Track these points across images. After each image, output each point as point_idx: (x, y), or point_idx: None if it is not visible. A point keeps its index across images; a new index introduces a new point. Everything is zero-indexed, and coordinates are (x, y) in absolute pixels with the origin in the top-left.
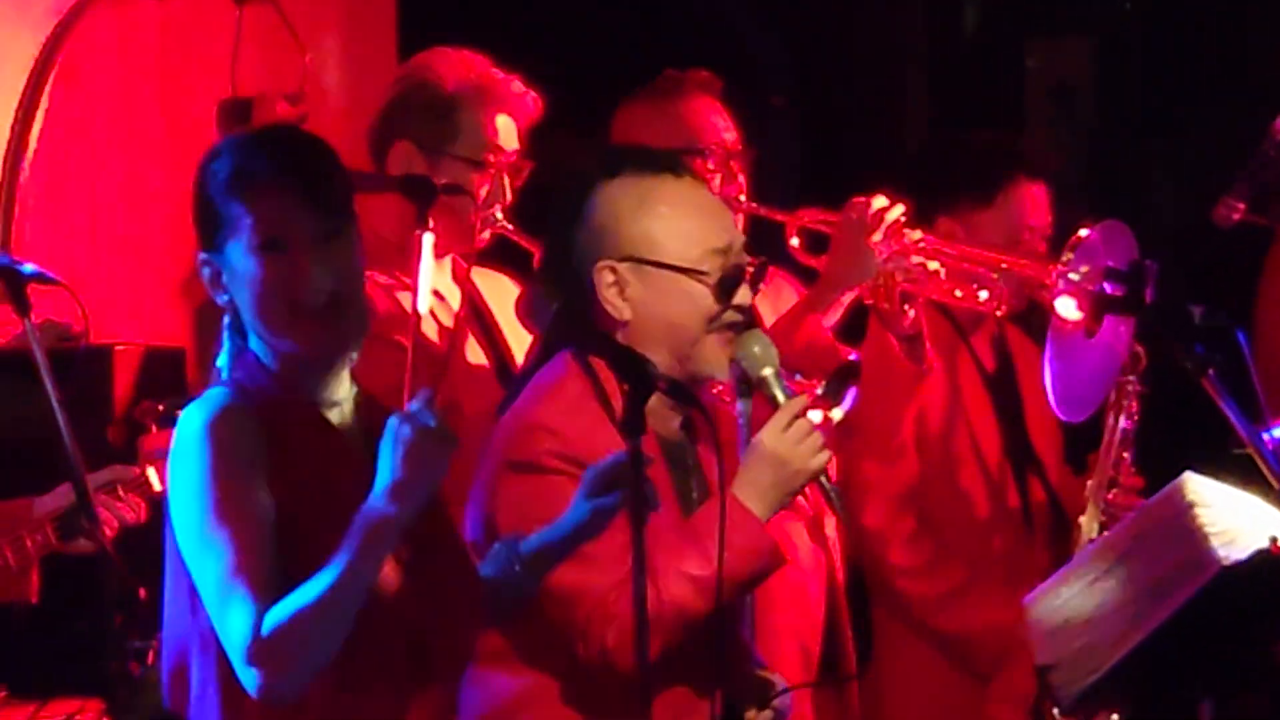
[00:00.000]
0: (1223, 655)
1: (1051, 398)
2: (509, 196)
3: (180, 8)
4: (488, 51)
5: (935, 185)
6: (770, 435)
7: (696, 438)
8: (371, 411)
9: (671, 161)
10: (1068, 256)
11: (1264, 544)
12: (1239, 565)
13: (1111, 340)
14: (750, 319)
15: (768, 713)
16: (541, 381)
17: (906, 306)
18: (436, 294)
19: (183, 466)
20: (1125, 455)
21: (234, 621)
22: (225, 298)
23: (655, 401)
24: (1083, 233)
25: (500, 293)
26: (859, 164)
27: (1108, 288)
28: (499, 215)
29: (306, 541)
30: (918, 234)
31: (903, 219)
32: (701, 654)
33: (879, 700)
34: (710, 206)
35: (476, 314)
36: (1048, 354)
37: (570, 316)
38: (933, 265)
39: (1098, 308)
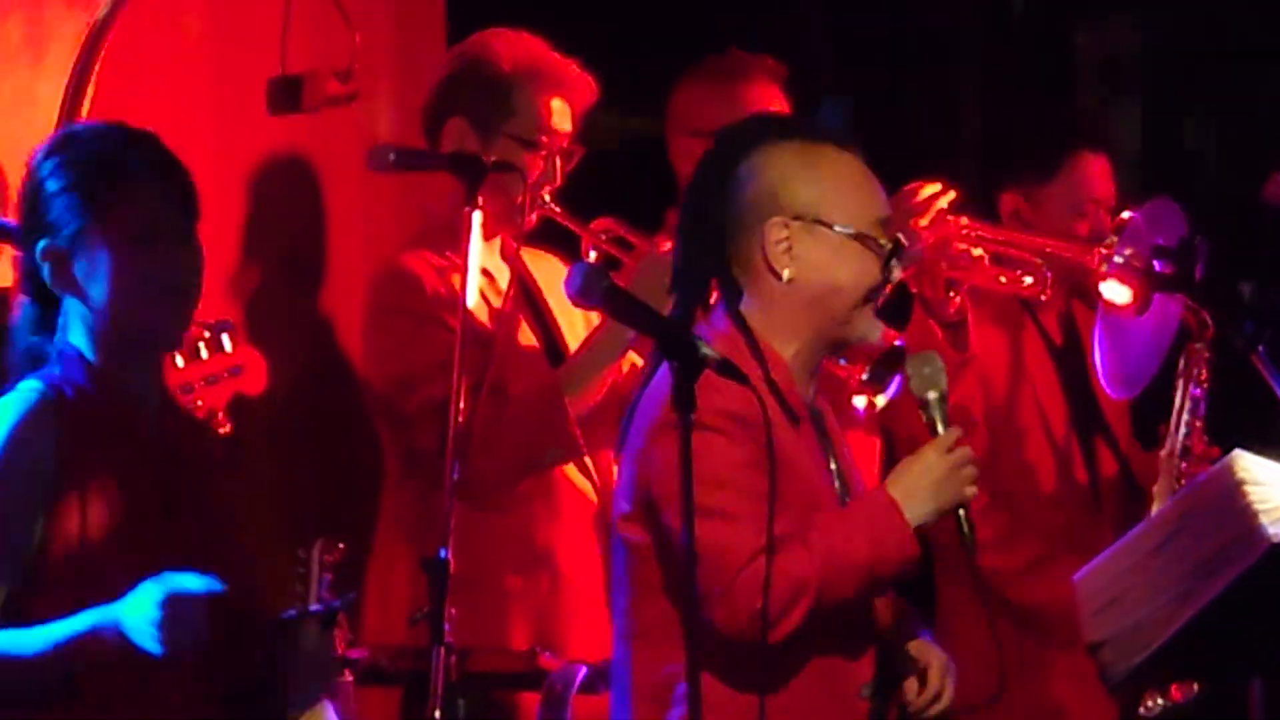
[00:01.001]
0: (1272, 633)
1: (1101, 374)
2: (559, 179)
3: None
4: (536, 29)
5: (998, 160)
6: (935, 452)
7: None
8: (174, 412)
9: (837, 134)
10: (1112, 240)
11: None
12: None
13: (1160, 318)
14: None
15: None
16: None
17: (951, 293)
18: (485, 273)
19: None
20: (1197, 423)
21: None
22: (62, 287)
23: (795, 363)
24: (1127, 215)
25: (549, 273)
26: (910, 145)
27: (1157, 265)
28: (547, 198)
29: (93, 543)
30: (963, 220)
31: (947, 205)
32: (859, 623)
33: None
34: (871, 179)
35: (526, 293)
36: (1097, 331)
37: (709, 271)
38: (976, 251)
39: (1147, 285)
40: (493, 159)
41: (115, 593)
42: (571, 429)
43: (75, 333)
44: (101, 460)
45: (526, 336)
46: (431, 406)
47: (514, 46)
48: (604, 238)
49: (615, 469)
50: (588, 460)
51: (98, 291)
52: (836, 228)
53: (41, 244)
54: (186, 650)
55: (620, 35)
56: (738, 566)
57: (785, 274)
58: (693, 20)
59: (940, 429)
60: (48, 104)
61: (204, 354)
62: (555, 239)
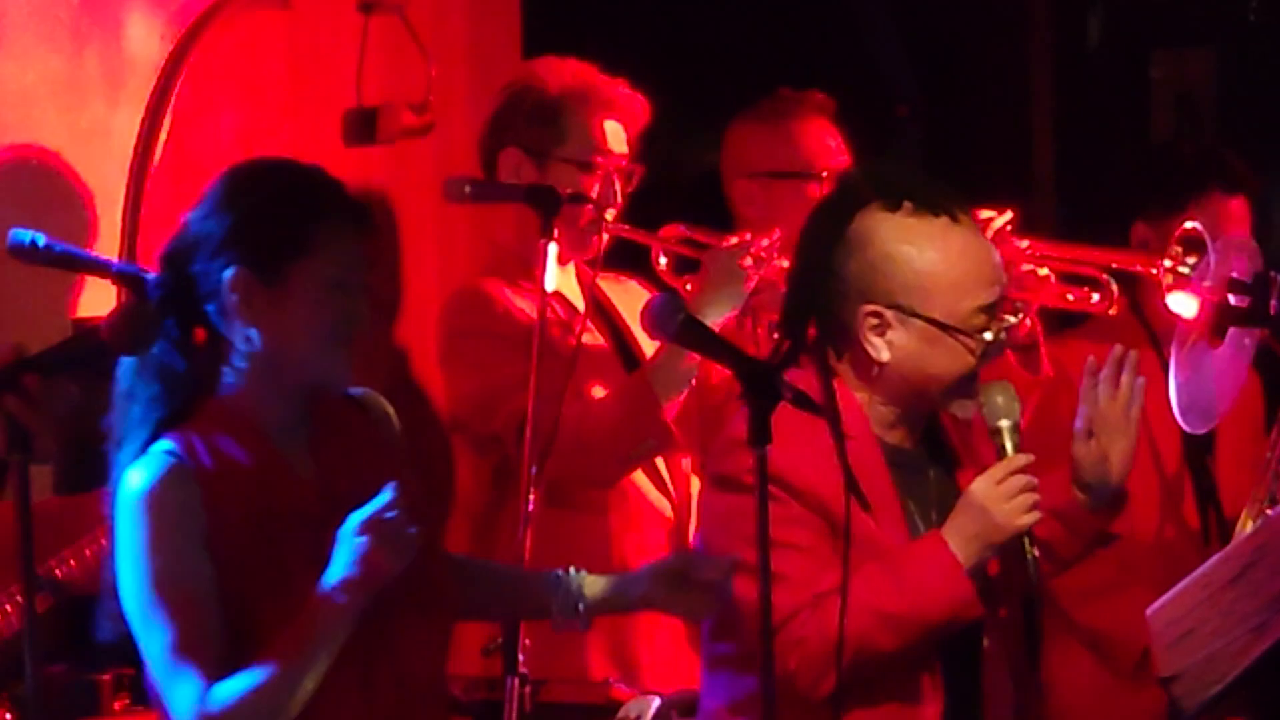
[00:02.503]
0: None
1: (1175, 407)
2: (620, 200)
3: (306, 16)
4: (610, 61)
5: (1132, 191)
6: (982, 485)
7: (945, 451)
8: (329, 443)
9: (951, 203)
10: (1176, 250)
11: None
12: None
13: (1235, 352)
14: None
15: None
16: None
17: (1020, 315)
18: (561, 297)
19: (123, 534)
20: None
21: (180, 698)
22: (243, 319)
23: (891, 414)
24: (1189, 225)
25: (625, 295)
26: (984, 175)
27: (1231, 299)
28: (609, 217)
29: (254, 590)
30: (1024, 242)
31: (1010, 226)
32: (914, 674)
33: None
34: (982, 256)
35: (604, 317)
36: (1172, 364)
37: (812, 322)
38: (1042, 271)
39: (1221, 319)
40: (563, 186)
41: (277, 631)
42: (663, 418)
43: (235, 366)
44: (245, 504)
45: (605, 354)
46: (518, 420)
47: (560, 71)
48: (674, 243)
49: (695, 480)
50: (665, 474)
51: (286, 328)
52: (931, 319)
53: (230, 271)
54: (409, 552)
55: (700, 69)
56: (775, 627)
57: (879, 357)
58: (767, 54)
59: (1008, 454)
60: (124, 135)
61: None
62: (626, 255)
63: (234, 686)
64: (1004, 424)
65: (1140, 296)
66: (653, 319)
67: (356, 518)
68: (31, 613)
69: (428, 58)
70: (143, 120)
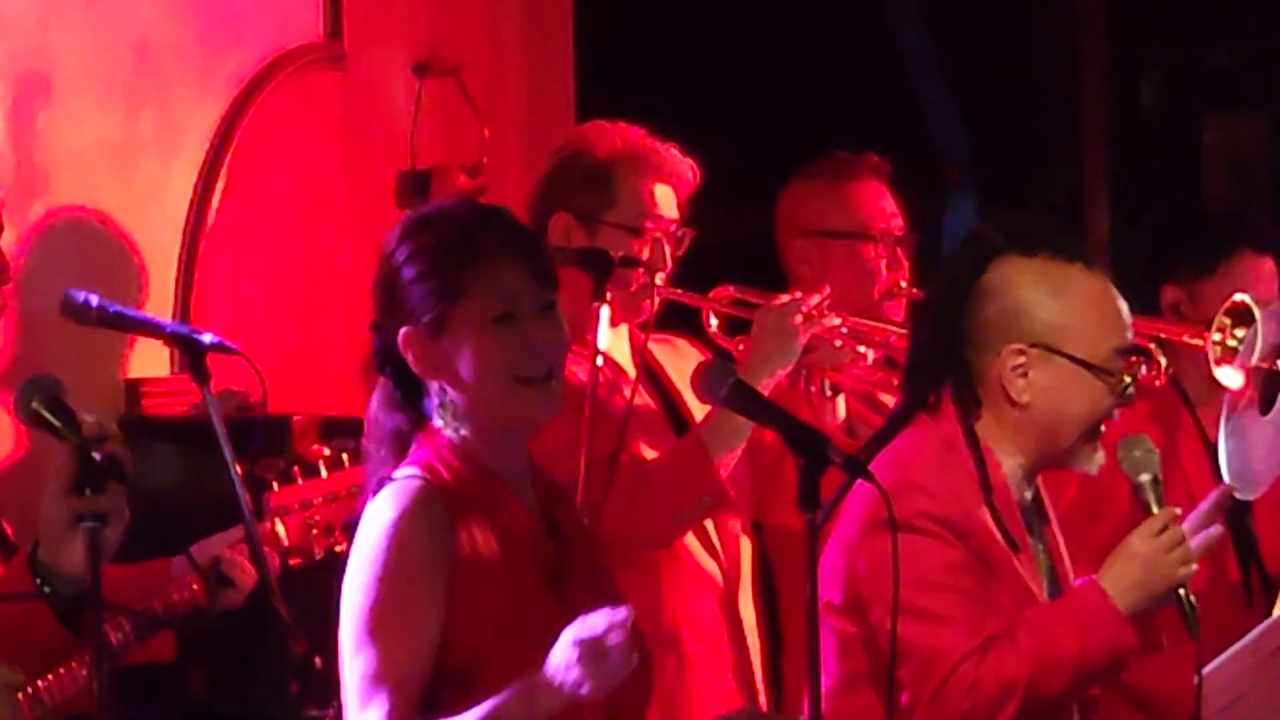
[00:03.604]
0: None
1: (1225, 474)
2: (669, 264)
3: (361, 78)
4: (663, 122)
5: (1162, 253)
6: (1141, 538)
7: (1044, 503)
8: (543, 482)
9: (1084, 251)
10: (1224, 322)
11: None
12: None
13: None
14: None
15: None
16: (909, 441)
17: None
18: (611, 361)
19: (361, 557)
20: None
21: None
22: (428, 372)
23: (1019, 471)
24: (1238, 297)
25: (677, 358)
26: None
27: None
28: (659, 281)
29: (485, 630)
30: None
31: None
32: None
33: None
34: (1115, 303)
35: (654, 380)
36: (1221, 431)
37: (942, 380)
38: None
39: (1270, 386)
40: (614, 250)
41: (507, 678)
42: (717, 476)
43: (443, 416)
44: (486, 544)
45: (656, 416)
46: (575, 479)
47: (610, 136)
48: (724, 304)
49: (746, 542)
50: (715, 538)
51: (464, 374)
52: (1074, 357)
53: (403, 331)
54: (614, 680)
55: (753, 132)
56: (946, 670)
57: (1020, 399)
58: (818, 118)
59: (1155, 511)
60: (179, 195)
61: (323, 472)
62: (677, 318)
63: None
64: (1145, 478)
65: (1176, 359)
66: (703, 384)
67: (582, 627)
68: (102, 677)
69: (482, 120)
70: (197, 181)
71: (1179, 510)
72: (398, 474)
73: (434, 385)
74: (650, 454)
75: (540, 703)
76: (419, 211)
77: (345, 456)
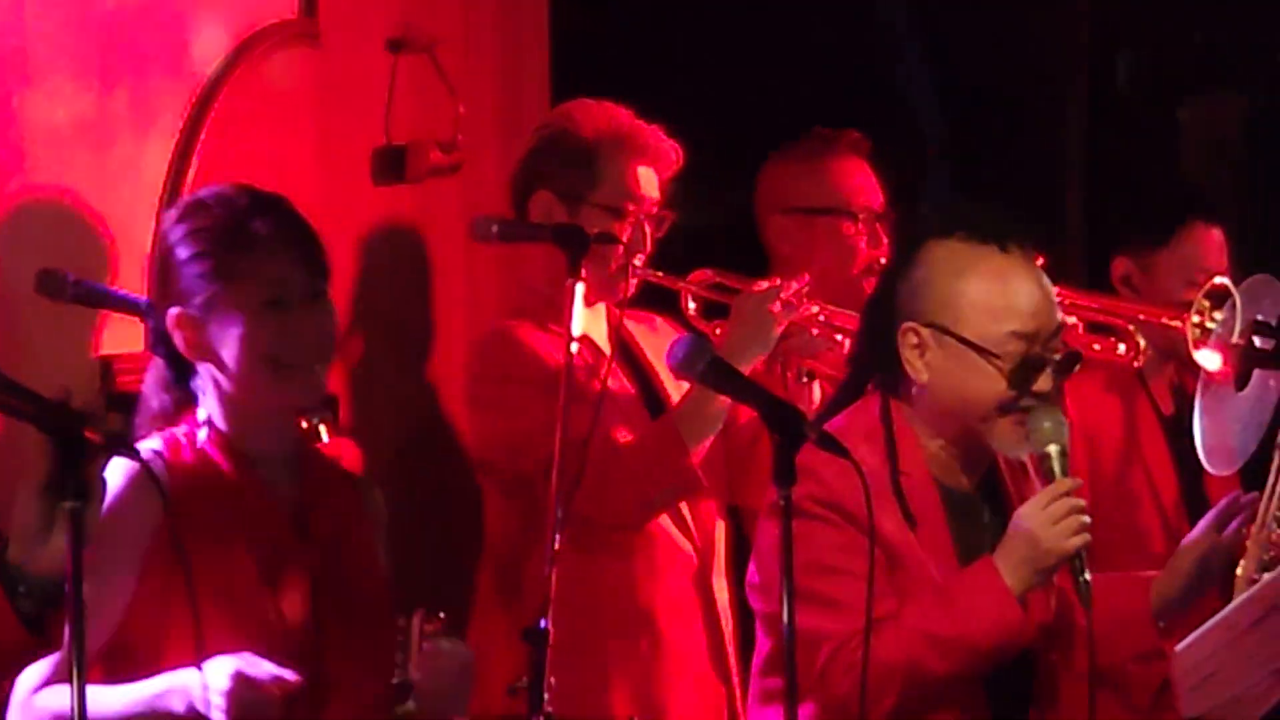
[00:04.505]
0: None
1: (1200, 450)
2: (649, 246)
3: (335, 55)
4: (639, 100)
5: (1113, 226)
6: (1028, 511)
7: (999, 493)
8: (318, 473)
9: (1004, 233)
10: (1203, 304)
11: None
12: None
13: (1260, 393)
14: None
15: None
16: (838, 424)
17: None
18: (588, 340)
19: None
20: None
21: (28, 671)
22: (195, 354)
23: (945, 454)
24: (1218, 280)
25: (655, 338)
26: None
27: (1256, 341)
28: (638, 263)
29: (177, 608)
30: (1054, 289)
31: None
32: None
33: None
34: (1026, 288)
35: (630, 359)
36: (1197, 406)
37: (877, 362)
38: (1070, 320)
39: (1246, 361)
40: (593, 229)
41: (201, 657)
42: (690, 463)
43: (209, 398)
44: (209, 529)
45: (631, 398)
46: (545, 464)
47: (596, 116)
48: (703, 287)
49: (720, 524)
50: (689, 519)
51: (230, 358)
52: (963, 338)
53: (173, 312)
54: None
55: (728, 111)
56: (829, 653)
57: (919, 378)
58: (799, 95)
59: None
60: (153, 173)
61: None
62: (655, 300)
63: (54, 699)
64: (1052, 449)
65: (1126, 331)
66: (679, 359)
67: (251, 665)
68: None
69: (456, 97)
70: (171, 158)
71: (1079, 481)
72: (142, 445)
73: (202, 367)
74: (626, 436)
75: (169, 701)
76: (196, 194)
77: (323, 429)
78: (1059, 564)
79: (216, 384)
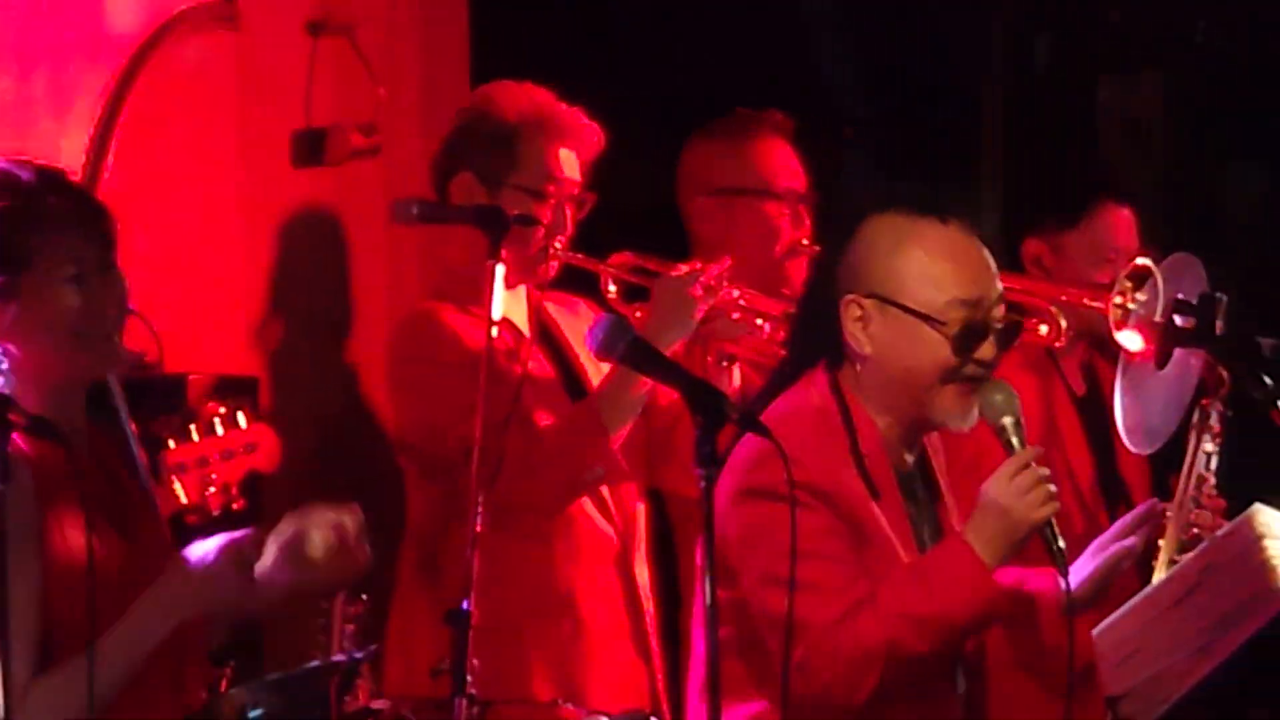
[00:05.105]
0: None
1: (1121, 428)
2: (570, 228)
3: (255, 38)
4: (560, 82)
5: (1023, 207)
6: (995, 484)
7: (928, 471)
8: (101, 437)
9: (942, 208)
10: (1126, 285)
11: None
12: None
13: (1181, 372)
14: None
15: None
16: (786, 405)
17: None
18: (508, 322)
19: None
20: (1208, 478)
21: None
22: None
23: (891, 432)
24: (1140, 260)
25: (576, 321)
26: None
27: (1177, 319)
28: (559, 246)
29: (71, 578)
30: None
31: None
32: (942, 690)
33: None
34: (968, 256)
35: (551, 344)
36: (1118, 385)
37: (818, 340)
38: None
39: (1166, 340)
40: (514, 212)
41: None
42: (610, 448)
43: (8, 379)
44: (64, 499)
45: (552, 381)
46: (465, 446)
47: (517, 98)
48: (623, 270)
49: (640, 507)
50: (609, 502)
51: (29, 335)
52: (906, 307)
53: None
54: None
55: (646, 92)
56: (811, 639)
57: (862, 351)
58: (718, 75)
59: (1016, 451)
60: (72, 158)
61: (219, 430)
62: (576, 282)
63: (56, 679)
64: (1007, 421)
65: (1038, 311)
66: (600, 340)
67: (232, 539)
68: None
69: (376, 79)
70: (90, 142)
71: (1039, 450)
72: None
73: (4, 347)
74: (547, 420)
75: (161, 617)
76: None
77: (241, 415)
78: (1030, 534)
79: (15, 364)
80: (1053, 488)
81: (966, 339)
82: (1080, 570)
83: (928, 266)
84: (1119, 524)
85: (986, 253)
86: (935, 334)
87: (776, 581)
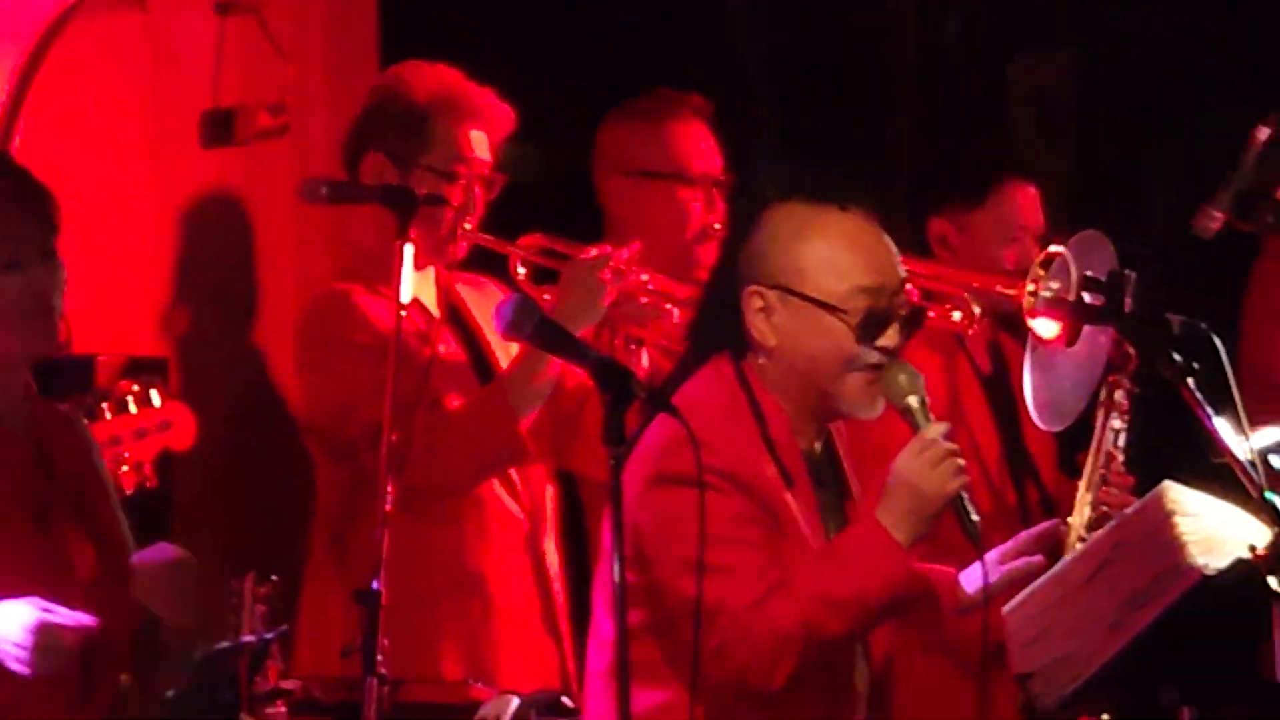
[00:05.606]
0: (1202, 663)
1: (1031, 406)
2: (480, 208)
3: (163, 18)
4: (470, 63)
5: (927, 187)
6: (904, 461)
7: (835, 456)
8: (44, 415)
9: (842, 193)
10: (1039, 273)
11: (1243, 552)
12: (1219, 574)
13: (1090, 350)
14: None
15: None
16: (693, 392)
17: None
18: (418, 302)
19: None
20: (1116, 455)
21: None
22: None
23: (797, 419)
24: (1055, 249)
25: (483, 299)
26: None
27: (1086, 297)
28: (469, 226)
29: None
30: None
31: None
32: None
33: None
34: (868, 244)
35: (460, 325)
36: (1027, 363)
37: (722, 329)
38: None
39: (1076, 317)
40: (424, 192)
41: None
42: (518, 431)
43: None
44: None
45: (461, 363)
46: (373, 428)
47: (428, 78)
48: (532, 252)
49: (549, 488)
50: (518, 483)
51: None
52: (809, 296)
53: None
54: (49, 674)
55: (559, 70)
56: (727, 624)
57: (766, 342)
58: (629, 55)
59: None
60: None
61: (132, 408)
62: (486, 264)
63: None
64: (912, 401)
65: (942, 293)
66: (507, 320)
67: (36, 613)
68: None
69: (285, 59)
70: None
71: (947, 425)
72: None
73: None
74: (456, 402)
75: None
76: None
77: (155, 393)
78: (942, 509)
79: None
80: (961, 461)
81: (869, 327)
82: (977, 576)
83: (828, 255)
84: (1020, 539)
85: (888, 239)
86: (838, 323)
87: (692, 568)
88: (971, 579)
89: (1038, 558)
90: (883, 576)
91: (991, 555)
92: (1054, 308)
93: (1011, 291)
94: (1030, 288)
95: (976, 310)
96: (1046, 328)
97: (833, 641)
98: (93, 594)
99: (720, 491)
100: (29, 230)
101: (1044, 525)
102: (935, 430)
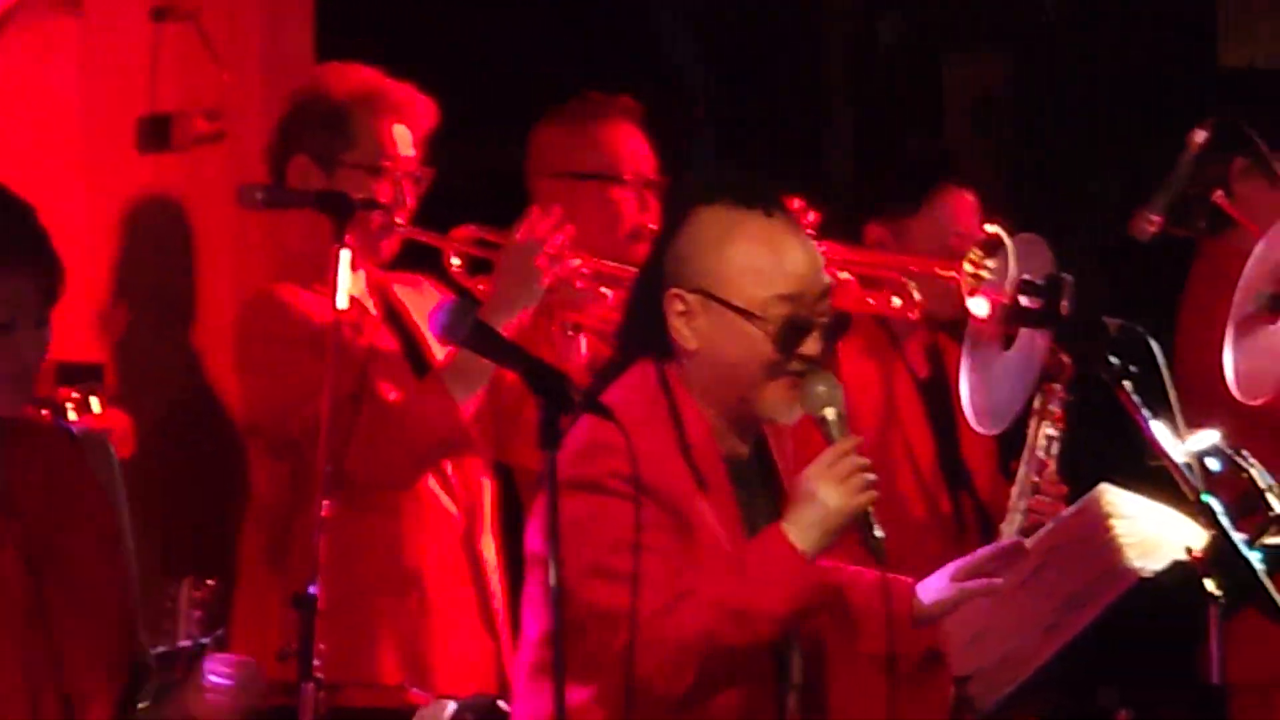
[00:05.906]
0: (1140, 665)
1: (968, 409)
2: (410, 203)
3: (98, 23)
4: (405, 66)
5: (864, 192)
6: (813, 472)
7: (768, 460)
8: (13, 434)
9: (768, 199)
10: (977, 254)
11: (1180, 555)
12: (1156, 576)
13: (1027, 353)
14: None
15: None
16: (615, 395)
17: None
18: (353, 301)
19: None
20: (1049, 462)
21: None
22: None
23: (721, 423)
24: (989, 228)
25: (420, 298)
26: (778, 176)
27: (1023, 300)
28: (399, 222)
29: None
30: (823, 246)
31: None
32: (762, 685)
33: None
34: (790, 251)
35: (396, 321)
36: (964, 365)
37: (647, 331)
38: (843, 275)
39: (1012, 320)
40: (352, 191)
41: None
42: (459, 417)
43: None
44: None
45: (397, 357)
46: (313, 424)
47: (346, 77)
48: (466, 244)
49: (486, 484)
50: (451, 477)
51: None
52: (728, 303)
53: None
54: None
55: (495, 72)
56: (631, 629)
57: (687, 345)
58: (564, 56)
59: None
60: None
61: (72, 416)
62: (419, 258)
63: None
64: (829, 413)
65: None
66: (443, 325)
67: None
68: None
69: (221, 65)
70: None
71: (859, 440)
72: None
73: None
74: (393, 393)
75: None
76: None
77: (95, 400)
78: (848, 523)
79: None
80: (871, 476)
81: (789, 335)
82: (932, 588)
83: (751, 261)
84: (980, 554)
85: (812, 245)
86: (757, 330)
87: (600, 573)
88: (929, 590)
89: (998, 580)
90: (784, 586)
91: (947, 569)
92: (991, 289)
93: (949, 273)
94: (968, 268)
95: (916, 295)
96: (983, 308)
97: (735, 652)
98: (46, 634)
99: (629, 498)
100: (31, 298)
101: (1004, 543)
102: (847, 444)
